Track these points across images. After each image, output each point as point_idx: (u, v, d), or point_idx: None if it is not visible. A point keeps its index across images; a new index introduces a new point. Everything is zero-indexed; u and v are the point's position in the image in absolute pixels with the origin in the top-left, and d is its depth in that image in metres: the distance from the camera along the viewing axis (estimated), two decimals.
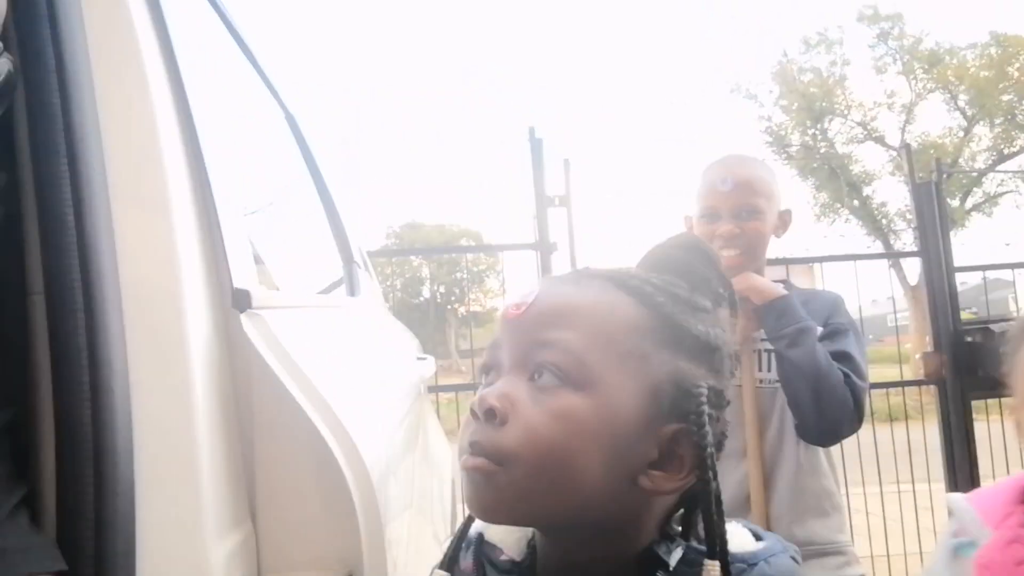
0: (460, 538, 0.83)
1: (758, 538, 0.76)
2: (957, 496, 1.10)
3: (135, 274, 0.72)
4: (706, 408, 0.72)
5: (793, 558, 0.74)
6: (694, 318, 0.76)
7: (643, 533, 0.74)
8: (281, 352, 0.80)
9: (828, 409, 1.67)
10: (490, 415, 0.70)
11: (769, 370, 1.78)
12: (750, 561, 0.71)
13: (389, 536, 0.79)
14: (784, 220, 1.89)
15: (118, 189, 0.74)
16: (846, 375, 1.69)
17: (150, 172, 0.76)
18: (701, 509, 0.71)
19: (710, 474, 0.70)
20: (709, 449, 0.71)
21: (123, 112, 0.77)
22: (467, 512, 0.80)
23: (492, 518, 0.74)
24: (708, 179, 1.86)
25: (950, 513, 1.10)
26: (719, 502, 0.71)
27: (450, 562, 0.81)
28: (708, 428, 0.71)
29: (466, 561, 0.82)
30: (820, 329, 1.75)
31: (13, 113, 0.74)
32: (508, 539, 0.81)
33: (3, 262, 0.74)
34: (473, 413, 0.72)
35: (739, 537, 0.75)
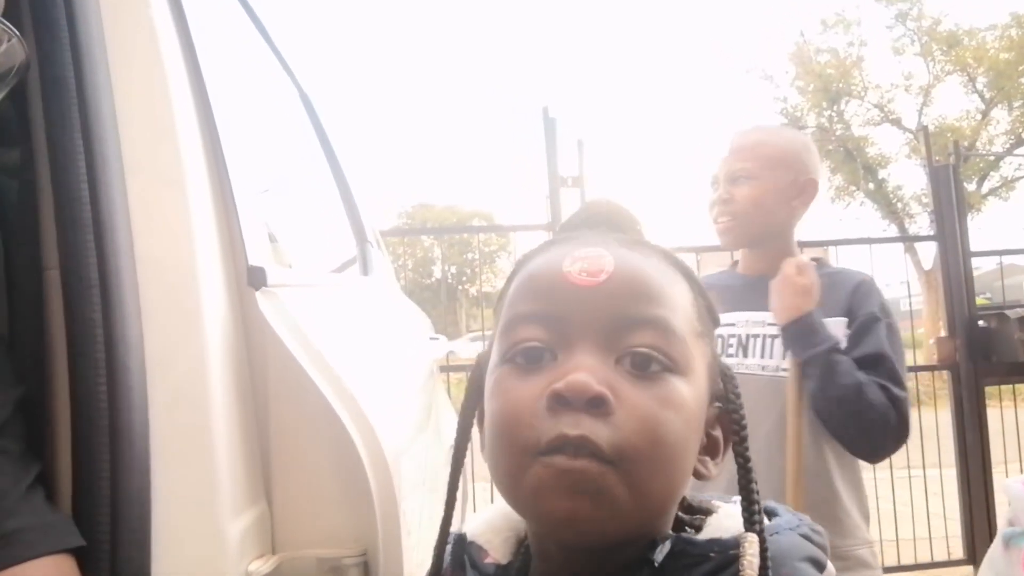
0: (443, 546, 0.74)
1: (772, 516, 0.72)
2: (1013, 482, 1.05)
3: (150, 250, 0.72)
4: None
5: (806, 535, 0.70)
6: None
7: (665, 528, 0.69)
8: (296, 330, 0.80)
9: (870, 433, 1.59)
10: (596, 403, 0.60)
11: (771, 356, 1.71)
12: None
13: (404, 514, 0.79)
14: (803, 188, 1.76)
15: (133, 165, 0.73)
16: (883, 388, 1.58)
17: (165, 148, 0.76)
18: (740, 486, 0.69)
19: (749, 452, 0.69)
20: (746, 427, 0.70)
21: (138, 88, 0.77)
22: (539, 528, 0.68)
23: (597, 534, 0.62)
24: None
25: (1008, 500, 1.08)
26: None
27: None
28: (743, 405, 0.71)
29: (446, 567, 0.73)
30: (844, 321, 1.66)
31: (27, 88, 0.73)
32: (495, 539, 0.74)
33: (18, 237, 0.73)
34: (558, 399, 0.61)
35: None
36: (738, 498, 0.73)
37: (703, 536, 0.69)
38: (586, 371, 0.61)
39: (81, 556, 0.63)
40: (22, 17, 0.72)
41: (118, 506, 0.64)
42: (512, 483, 0.65)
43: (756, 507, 0.67)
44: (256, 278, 0.80)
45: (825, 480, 1.67)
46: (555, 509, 0.61)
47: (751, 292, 1.77)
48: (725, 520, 0.71)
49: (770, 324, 1.72)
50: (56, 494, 0.67)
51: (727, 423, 0.72)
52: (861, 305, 1.68)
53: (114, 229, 0.69)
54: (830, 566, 0.71)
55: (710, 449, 0.71)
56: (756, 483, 0.69)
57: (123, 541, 0.63)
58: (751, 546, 0.64)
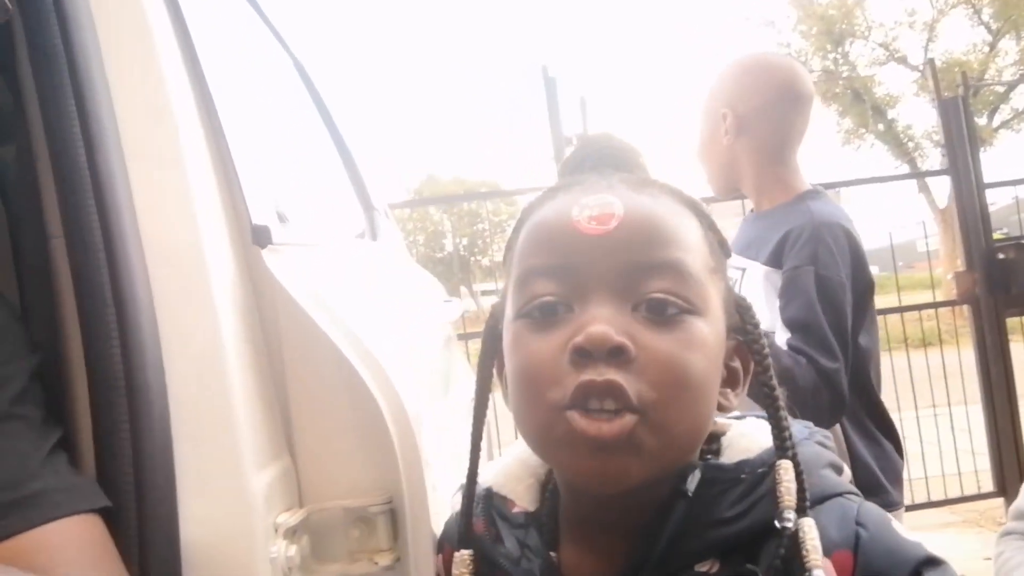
0: (471, 494, 0.75)
1: None
2: None
3: (151, 211, 0.71)
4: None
5: (820, 443, 0.72)
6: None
7: (693, 461, 0.69)
8: (304, 286, 0.79)
9: (803, 413, 1.48)
10: (617, 353, 0.60)
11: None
12: (768, 461, 0.67)
13: (426, 459, 0.79)
14: (724, 122, 1.71)
15: (128, 128, 0.73)
16: (812, 361, 1.42)
17: (160, 108, 0.75)
18: (769, 414, 0.69)
19: (774, 380, 0.69)
20: (768, 356, 0.70)
21: (129, 51, 0.76)
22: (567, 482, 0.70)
23: (627, 483, 0.62)
24: None
25: None
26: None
27: (465, 529, 0.74)
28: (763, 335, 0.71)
29: (477, 520, 0.74)
30: (765, 270, 1.55)
31: (17, 59, 0.73)
32: (518, 488, 0.74)
33: (21, 209, 0.73)
34: (580, 352, 0.61)
35: (760, 434, 0.71)
36: (737, 413, 0.74)
37: (727, 459, 0.69)
38: (603, 322, 0.61)
39: (108, 516, 0.64)
40: None
41: (141, 465, 0.64)
42: (541, 439, 0.66)
43: (787, 433, 0.67)
44: (261, 236, 0.79)
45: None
46: (585, 467, 0.62)
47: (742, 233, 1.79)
48: (740, 440, 0.71)
49: (736, 268, 1.62)
50: (79, 458, 0.67)
51: (745, 354, 0.72)
52: (788, 255, 1.52)
53: (114, 192, 0.69)
54: (847, 469, 0.72)
55: (730, 381, 0.72)
56: (784, 409, 0.69)
57: (148, 499, 0.64)
58: (786, 472, 0.64)
